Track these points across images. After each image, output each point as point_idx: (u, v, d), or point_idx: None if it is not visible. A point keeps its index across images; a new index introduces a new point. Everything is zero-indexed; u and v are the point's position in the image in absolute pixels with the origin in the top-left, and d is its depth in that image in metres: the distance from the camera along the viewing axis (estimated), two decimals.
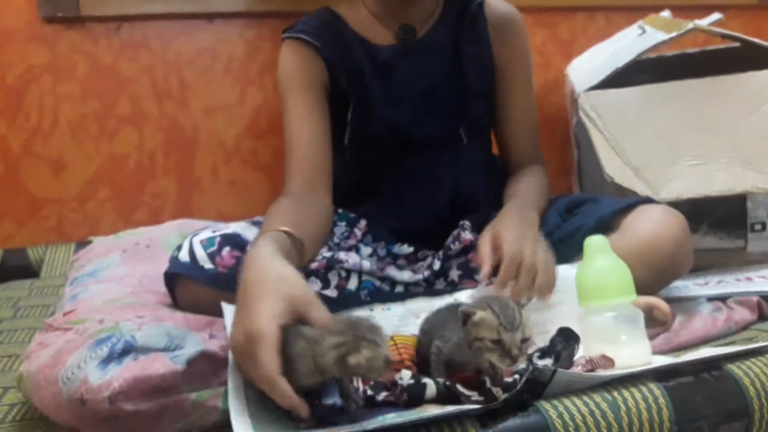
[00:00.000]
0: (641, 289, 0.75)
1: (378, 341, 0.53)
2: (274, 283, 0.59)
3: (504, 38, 0.97)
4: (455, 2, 0.98)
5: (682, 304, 0.86)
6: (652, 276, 0.79)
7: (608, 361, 0.60)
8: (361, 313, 0.77)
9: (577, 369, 0.58)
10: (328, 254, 0.85)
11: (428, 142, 0.94)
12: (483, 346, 0.58)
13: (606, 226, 0.83)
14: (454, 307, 0.64)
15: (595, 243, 0.72)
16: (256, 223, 0.88)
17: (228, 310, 0.68)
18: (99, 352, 0.59)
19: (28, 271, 1.21)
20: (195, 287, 0.78)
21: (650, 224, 0.81)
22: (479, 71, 0.96)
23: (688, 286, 0.94)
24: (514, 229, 0.77)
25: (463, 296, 0.81)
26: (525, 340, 0.58)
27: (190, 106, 1.31)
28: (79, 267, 1.02)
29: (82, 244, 1.19)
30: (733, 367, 0.57)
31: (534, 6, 1.46)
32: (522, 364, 0.59)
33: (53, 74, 1.25)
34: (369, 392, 0.61)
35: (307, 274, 0.82)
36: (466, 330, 0.59)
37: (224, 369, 0.61)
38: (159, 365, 0.59)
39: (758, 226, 1.15)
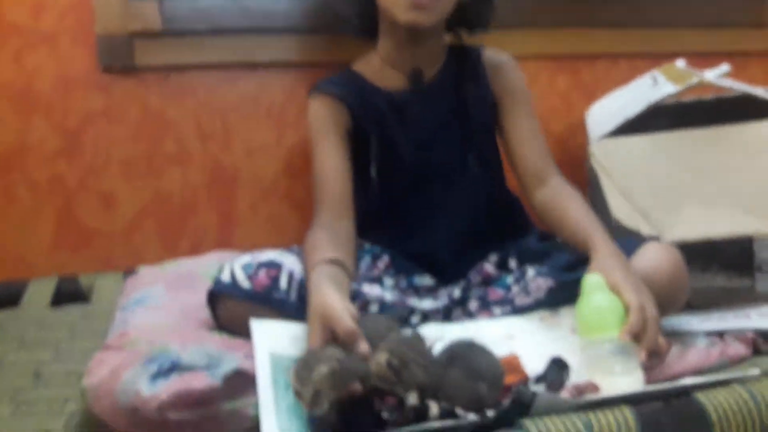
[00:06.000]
0: None
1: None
2: (315, 311, 0.78)
3: (500, 76, 1.12)
4: (457, 53, 1.13)
5: (680, 337, 0.92)
6: None
7: (594, 388, 0.67)
8: None
9: (565, 394, 0.65)
10: (353, 286, 0.93)
11: (442, 169, 1.07)
12: None
13: None
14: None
15: (592, 281, 0.80)
16: (291, 251, 0.99)
17: (257, 325, 0.78)
18: (150, 369, 0.69)
19: (79, 296, 1.31)
20: (234, 304, 0.89)
21: (646, 260, 0.89)
22: (481, 108, 1.10)
23: (690, 321, 0.99)
24: (627, 280, 0.81)
25: (474, 327, 0.89)
26: None
27: (232, 147, 1.41)
28: (128, 294, 1.12)
29: (129, 272, 1.29)
30: (700, 395, 0.64)
31: (556, 54, 1.54)
32: None
33: (108, 118, 1.36)
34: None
35: None
36: None
37: (255, 383, 0.70)
38: (200, 381, 0.69)
39: (765, 267, 1.20)
